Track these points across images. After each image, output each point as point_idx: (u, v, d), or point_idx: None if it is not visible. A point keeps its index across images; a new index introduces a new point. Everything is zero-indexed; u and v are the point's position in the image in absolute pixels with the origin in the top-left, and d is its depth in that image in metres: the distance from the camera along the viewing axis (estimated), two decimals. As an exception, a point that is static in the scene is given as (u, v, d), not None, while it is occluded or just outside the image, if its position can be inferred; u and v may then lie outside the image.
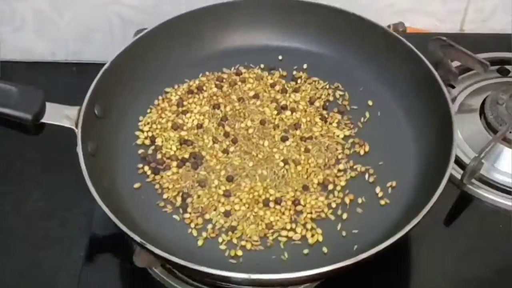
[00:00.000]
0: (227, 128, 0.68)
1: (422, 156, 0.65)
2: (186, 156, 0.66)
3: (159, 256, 0.53)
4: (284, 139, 0.67)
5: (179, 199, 0.63)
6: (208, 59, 0.74)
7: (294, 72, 0.74)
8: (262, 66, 0.74)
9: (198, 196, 0.63)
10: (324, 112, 0.70)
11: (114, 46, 0.68)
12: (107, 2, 0.81)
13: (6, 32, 0.83)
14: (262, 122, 0.69)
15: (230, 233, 0.60)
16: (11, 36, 0.83)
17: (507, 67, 0.79)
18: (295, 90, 0.72)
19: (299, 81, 0.73)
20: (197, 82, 0.73)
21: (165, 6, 0.80)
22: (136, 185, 0.64)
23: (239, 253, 0.59)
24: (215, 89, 0.72)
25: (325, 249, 0.59)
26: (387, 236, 0.54)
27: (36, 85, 0.63)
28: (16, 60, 0.84)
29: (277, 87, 0.72)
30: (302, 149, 0.66)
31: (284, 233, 0.60)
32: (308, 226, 0.61)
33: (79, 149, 0.59)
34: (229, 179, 0.64)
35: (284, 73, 0.73)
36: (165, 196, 0.63)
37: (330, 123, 0.69)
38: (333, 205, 0.62)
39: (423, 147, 0.65)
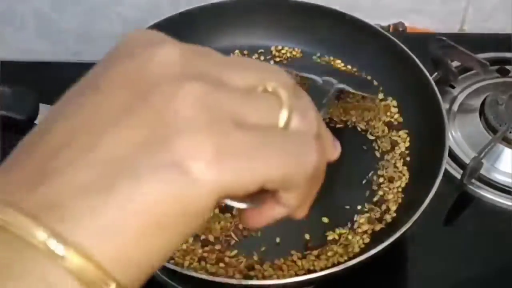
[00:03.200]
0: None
1: (415, 160, 0.65)
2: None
3: None
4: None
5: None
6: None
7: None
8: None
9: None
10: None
11: (114, 46, 0.69)
12: (107, 2, 0.81)
13: (6, 32, 0.83)
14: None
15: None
16: (11, 36, 0.83)
17: (507, 67, 0.79)
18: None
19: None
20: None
21: (165, 7, 0.80)
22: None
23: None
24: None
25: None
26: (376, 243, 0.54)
27: (36, 85, 0.63)
28: (16, 60, 0.84)
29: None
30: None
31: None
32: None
33: None
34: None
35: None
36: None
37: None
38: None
39: (416, 152, 0.65)
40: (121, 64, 0.26)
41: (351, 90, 0.66)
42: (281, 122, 0.26)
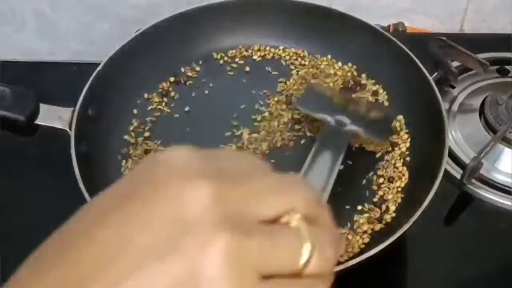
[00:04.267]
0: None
1: (415, 160, 0.65)
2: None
3: None
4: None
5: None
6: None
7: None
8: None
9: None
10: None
11: (114, 46, 0.69)
12: (107, 2, 0.81)
13: (6, 32, 0.83)
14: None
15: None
16: (11, 36, 0.83)
17: (507, 67, 0.79)
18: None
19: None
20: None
21: (165, 7, 0.80)
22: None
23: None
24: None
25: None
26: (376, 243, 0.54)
27: (36, 85, 0.63)
28: (16, 60, 0.84)
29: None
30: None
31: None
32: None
33: (72, 151, 0.59)
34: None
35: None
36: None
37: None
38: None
39: (416, 152, 0.65)
40: (157, 203, 0.26)
41: (362, 133, 0.64)
42: (301, 263, 0.28)
